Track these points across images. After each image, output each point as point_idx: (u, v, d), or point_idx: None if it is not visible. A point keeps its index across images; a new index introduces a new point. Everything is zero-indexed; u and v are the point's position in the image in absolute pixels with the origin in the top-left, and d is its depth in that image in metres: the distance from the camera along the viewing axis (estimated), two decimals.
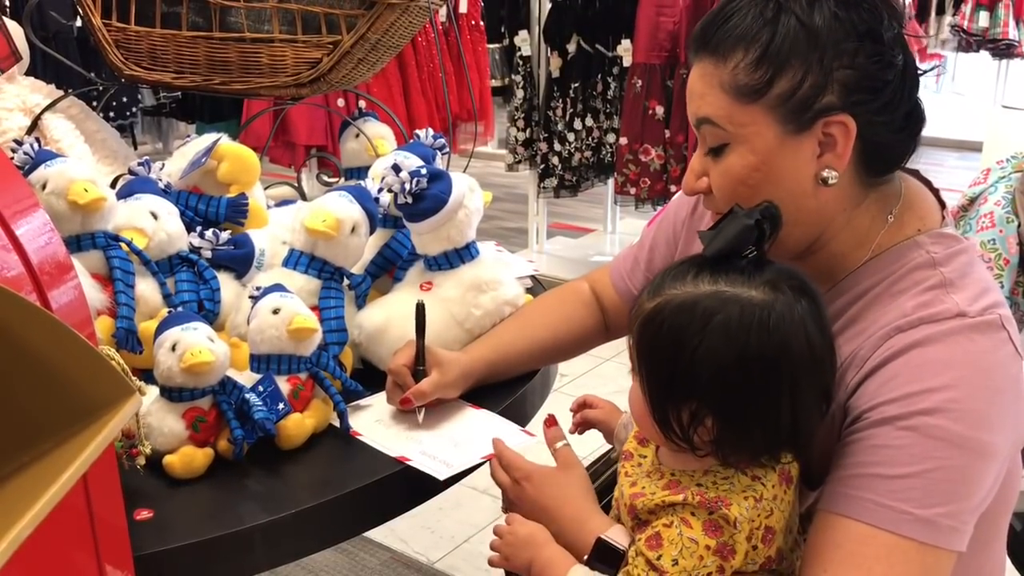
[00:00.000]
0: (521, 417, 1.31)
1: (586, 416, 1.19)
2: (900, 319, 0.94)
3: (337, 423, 1.20)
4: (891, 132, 0.97)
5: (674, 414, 0.91)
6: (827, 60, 0.93)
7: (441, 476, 1.09)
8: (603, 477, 1.24)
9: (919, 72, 0.99)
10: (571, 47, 4.10)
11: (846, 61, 0.94)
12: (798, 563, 0.95)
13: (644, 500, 0.94)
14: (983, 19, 5.64)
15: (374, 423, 1.22)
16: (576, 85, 4.12)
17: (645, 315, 0.93)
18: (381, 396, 1.26)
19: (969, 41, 5.75)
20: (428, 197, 1.31)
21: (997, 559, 1.05)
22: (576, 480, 1.09)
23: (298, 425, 1.15)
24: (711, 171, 1.01)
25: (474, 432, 1.20)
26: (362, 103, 1.84)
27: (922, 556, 0.88)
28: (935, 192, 1.06)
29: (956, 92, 7.81)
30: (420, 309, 1.23)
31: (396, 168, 1.32)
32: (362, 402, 1.26)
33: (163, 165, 1.45)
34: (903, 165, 1.02)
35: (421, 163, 1.40)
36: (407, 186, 1.30)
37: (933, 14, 5.70)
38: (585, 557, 0.97)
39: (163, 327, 1.12)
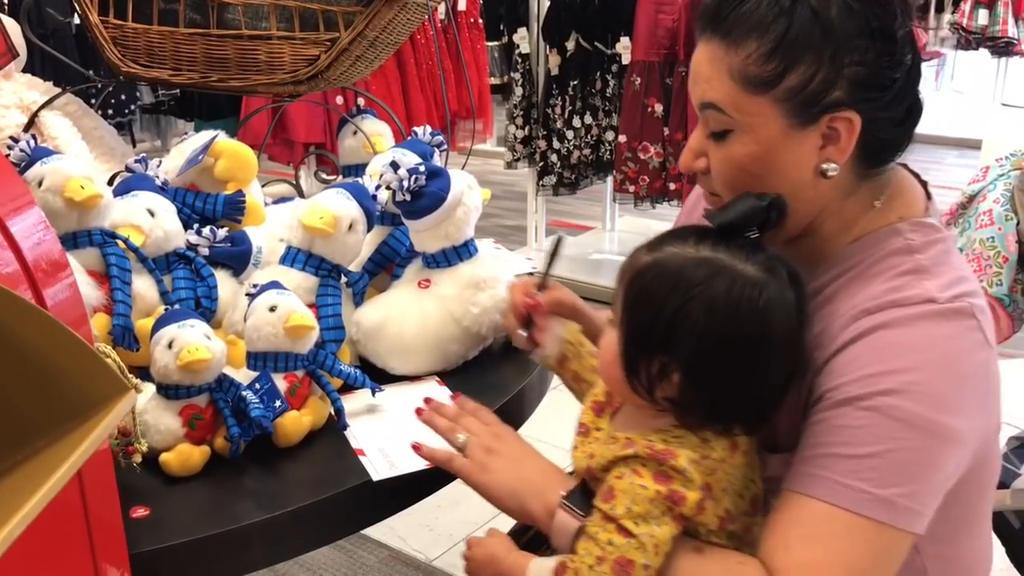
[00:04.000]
0: (518, 415, 1.31)
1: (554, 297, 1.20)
2: (869, 301, 0.95)
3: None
4: (892, 126, 0.98)
5: (644, 364, 0.93)
6: (839, 55, 0.92)
7: (375, 476, 1.07)
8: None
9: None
10: (570, 45, 4.10)
11: (857, 58, 0.93)
12: (759, 534, 0.96)
13: (597, 459, 0.96)
14: (982, 17, 5.65)
15: (365, 408, 1.23)
16: (575, 83, 4.12)
17: (639, 267, 0.94)
18: (391, 392, 1.26)
19: (968, 39, 5.75)
20: (427, 194, 1.31)
21: (981, 548, 1.06)
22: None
23: (295, 423, 1.14)
24: (711, 153, 1.01)
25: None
26: (360, 100, 1.84)
27: (879, 535, 0.89)
28: (923, 184, 1.07)
29: (955, 90, 7.80)
30: (558, 242, 1.20)
31: (395, 165, 1.32)
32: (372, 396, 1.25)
33: (160, 162, 1.45)
34: (899, 157, 1.02)
35: (419, 160, 1.40)
36: (406, 183, 1.30)
37: (933, 11, 5.70)
38: (563, 493, 0.98)
39: (160, 324, 1.12)
